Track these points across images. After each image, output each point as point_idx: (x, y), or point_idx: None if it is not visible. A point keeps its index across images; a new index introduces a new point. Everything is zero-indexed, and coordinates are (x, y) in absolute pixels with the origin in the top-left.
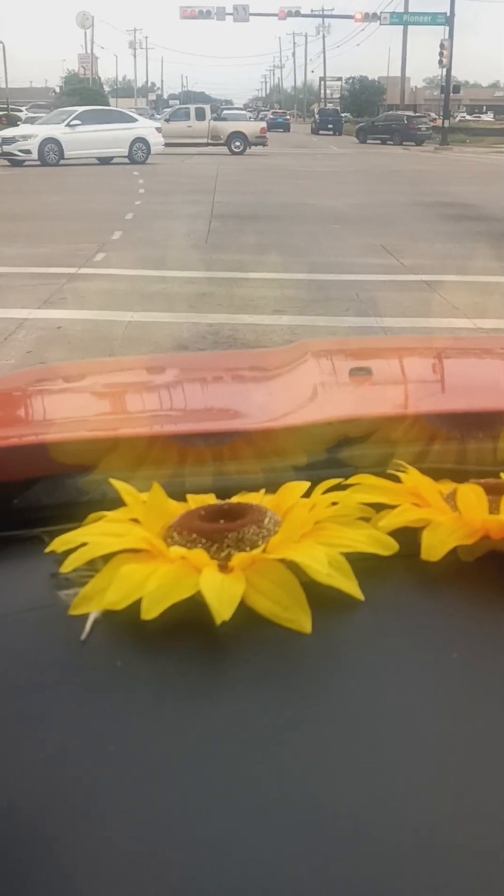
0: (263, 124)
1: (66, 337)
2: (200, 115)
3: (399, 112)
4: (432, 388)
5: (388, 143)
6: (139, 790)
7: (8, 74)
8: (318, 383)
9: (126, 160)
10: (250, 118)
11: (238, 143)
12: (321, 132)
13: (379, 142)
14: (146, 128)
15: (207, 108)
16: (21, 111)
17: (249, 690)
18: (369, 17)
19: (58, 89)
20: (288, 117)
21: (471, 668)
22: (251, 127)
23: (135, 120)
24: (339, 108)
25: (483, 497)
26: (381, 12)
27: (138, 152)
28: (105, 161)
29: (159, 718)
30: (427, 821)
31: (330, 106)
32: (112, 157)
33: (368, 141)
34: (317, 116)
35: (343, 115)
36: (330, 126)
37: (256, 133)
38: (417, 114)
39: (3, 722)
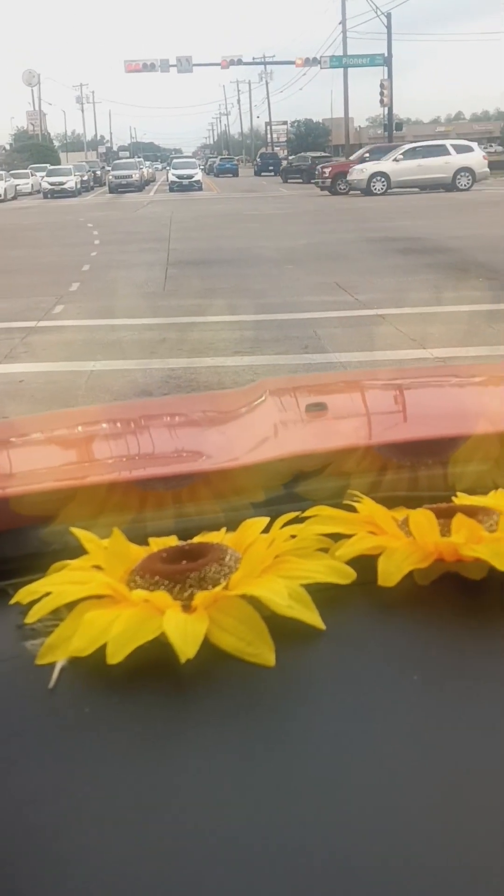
0: (197, 171)
1: (27, 391)
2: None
3: (308, 154)
4: (384, 419)
5: (299, 181)
6: (111, 836)
7: None
8: (276, 421)
9: None
10: (199, 166)
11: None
12: (263, 173)
13: (300, 180)
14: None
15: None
16: None
17: (217, 728)
18: (310, 62)
19: (7, 146)
20: (236, 162)
21: (433, 689)
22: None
23: None
24: (286, 151)
25: (434, 521)
26: (321, 56)
27: None
28: None
29: (129, 763)
30: (398, 848)
31: (276, 149)
32: None
33: (289, 181)
34: (258, 160)
35: (288, 157)
36: (271, 168)
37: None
38: (324, 154)
39: None
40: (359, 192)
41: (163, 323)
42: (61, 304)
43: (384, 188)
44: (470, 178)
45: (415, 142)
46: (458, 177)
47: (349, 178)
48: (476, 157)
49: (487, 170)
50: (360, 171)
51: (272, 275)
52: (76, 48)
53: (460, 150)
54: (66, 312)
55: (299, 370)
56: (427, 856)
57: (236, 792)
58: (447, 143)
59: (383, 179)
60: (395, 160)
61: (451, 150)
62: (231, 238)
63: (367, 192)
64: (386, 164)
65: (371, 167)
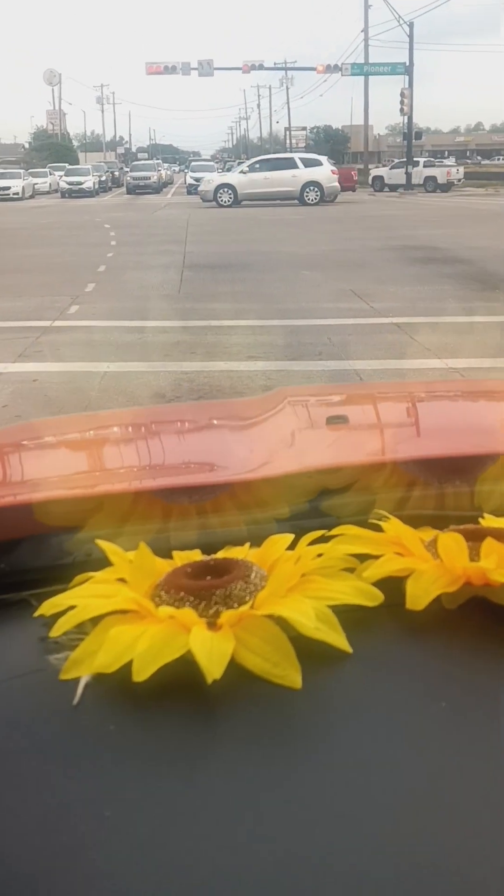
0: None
1: (41, 390)
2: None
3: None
4: (410, 433)
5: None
6: (135, 855)
7: None
8: (298, 432)
9: None
10: (217, 169)
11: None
12: None
13: None
14: None
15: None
16: None
17: (242, 750)
18: (331, 69)
19: (27, 145)
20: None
21: (460, 717)
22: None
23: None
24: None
25: (463, 544)
26: (342, 63)
27: None
28: None
29: (153, 782)
30: (423, 875)
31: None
32: None
33: None
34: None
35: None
36: None
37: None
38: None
39: None
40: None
41: (177, 326)
42: (76, 305)
43: (230, 200)
44: (318, 192)
45: (434, 149)
46: (306, 191)
47: (199, 188)
48: (324, 172)
49: (337, 185)
50: (208, 182)
51: (288, 280)
52: (98, 49)
53: (308, 163)
54: (82, 313)
55: (313, 376)
56: (456, 883)
57: (261, 815)
58: (296, 156)
59: (230, 191)
60: (243, 172)
61: (300, 163)
62: (247, 242)
63: (217, 203)
64: (233, 176)
65: (218, 178)
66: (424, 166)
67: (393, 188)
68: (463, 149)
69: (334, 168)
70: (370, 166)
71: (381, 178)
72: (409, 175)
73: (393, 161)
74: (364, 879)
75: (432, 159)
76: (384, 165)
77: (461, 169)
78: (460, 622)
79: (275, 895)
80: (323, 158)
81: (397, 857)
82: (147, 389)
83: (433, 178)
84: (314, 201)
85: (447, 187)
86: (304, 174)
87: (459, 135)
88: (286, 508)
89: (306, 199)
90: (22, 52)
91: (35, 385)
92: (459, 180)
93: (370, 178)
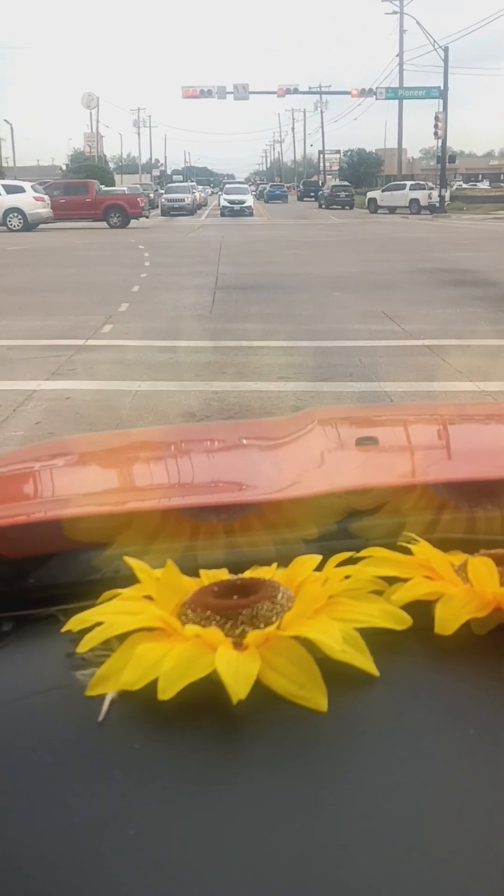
0: (249, 196)
1: (74, 407)
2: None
3: (343, 183)
4: (439, 456)
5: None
6: (158, 873)
7: (16, 153)
8: (327, 453)
9: None
10: (251, 192)
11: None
12: (305, 199)
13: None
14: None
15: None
16: None
17: (266, 771)
18: (366, 93)
19: (64, 167)
20: (286, 189)
21: (488, 743)
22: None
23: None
24: (337, 179)
25: (493, 569)
26: (376, 87)
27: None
28: None
29: (178, 802)
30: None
31: (329, 177)
32: None
33: (305, 200)
34: (300, 186)
35: (331, 186)
36: (311, 194)
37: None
38: (343, 183)
39: (22, 804)
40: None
41: (208, 346)
42: (110, 324)
43: (20, 224)
44: (21, 219)
45: (468, 172)
46: (9, 217)
47: None
48: (27, 199)
49: (41, 211)
50: None
51: (319, 301)
52: (135, 72)
53: (11, 190)
54: (115, 332)
55: (343, 398)
56: None
57: (284, 837)
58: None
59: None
60: None
61: (2, 189)
62: (279, 264)
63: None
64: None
65: None
66: (410, 189)
67: (391, 209)
68: (497, 172)
69: (36, 195)
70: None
71: (374, 199)
72: (442, 198)
73: (391, 183)
74: None
75: (421, 182)
76: (382, 189)
77: (446, 192)
78: (489, 648)
79: None
80: (27, 185)
81: (424, 883)
82: (178, 408)
83: (416, 201)
84: (17, 227)
85: (436, 209)
86: (5, 201)
87: (493, 158)
88: (314, 529)
89: (9, 225)
90: (61, 76)
91: (68, 403)
92: (446, 202)
93: (367, 199)
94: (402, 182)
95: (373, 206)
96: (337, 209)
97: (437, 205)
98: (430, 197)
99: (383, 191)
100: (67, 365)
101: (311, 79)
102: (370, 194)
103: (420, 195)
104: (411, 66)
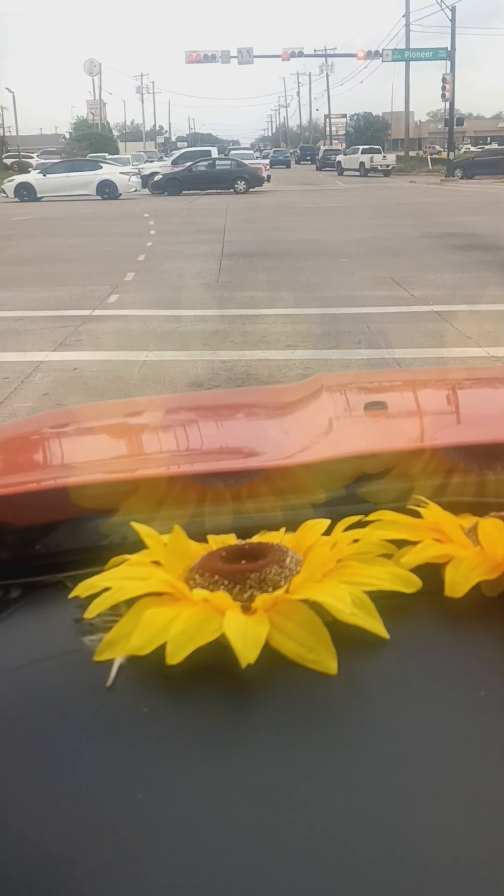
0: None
1: (81, 378)
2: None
3: (316, 145)
4: (448, 420)
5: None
6: (166, 837)
7: (18, 122)
8: (334, 418)
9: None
10: (257, 157)
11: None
12: (301, 162)
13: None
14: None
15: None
16: (32, 158)
17: (276, 735)
18: (371, 55)
19: (67, 135)
20: (288, 155)
21: (499, 705)
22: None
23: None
24: (344, 144)
25: None
26: (382, 49)
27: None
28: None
29: (187, 766)
30: (459, 864)
31: (335, 142)
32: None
33: (301, 163)
34: (298, 151)
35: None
36: (307, 157)
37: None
38: (334, 147)
39: (31, 769)
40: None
41: (215, 315)
42: (116, 294)
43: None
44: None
45: (476, 135)
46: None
47: None
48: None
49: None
50: None
51: (326, 268)
52: (138, 38)
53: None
54: (121, 302)
55: (352, 365)
56: (493, 868)
57: (294, 800)
58: None
59: None
60: None
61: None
62: (286, 230)
63: None
64: None
65: None
66: (362, 153)
67: (355, 172)
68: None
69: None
70: (410, 153)
71: (340, 163)
72: (450, 161)
73: (352, 147)
74: (398, 865)
75: (375, 147)
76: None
77: (390, 156)
78: (500, 610)
79: (307, 880)
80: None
81: (433, 845)
82: (185, 378)
83: (363, 164)
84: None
85: (386, 171)
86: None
87: (502, 120)
88: (322, 494)
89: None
90: (62, 43)
91: (75, 374)
92: (389, 166)
93: (336, 161)
94: (357, 147)
95: (339, 169)
96: (330, 171)
97: (381, 167)
98: (371, 160)
99: (345, 154)
100: (74, 336)
101: (315, 42)
102: (338, 157)
103: (364, 158)
104: (417, 26)
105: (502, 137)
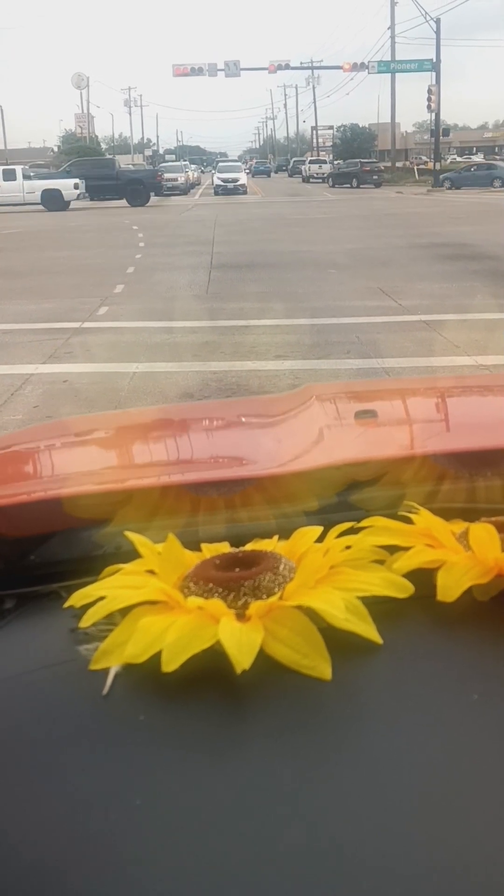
0: (242, 175)
1: (72, 390)
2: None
3: (291, 158)
4: (439, 427)
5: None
6: (166, 844)
7: (6, 136)
8: (326, 427)
9: None
10: (244, 169)
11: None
12: (279, 172)
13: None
14: None
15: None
16: None
17: (272, 741)
18: (357, 67)
19: (56, 148)
20: (269, 165)
21: (492, 709)
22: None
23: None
24: (331, 155)
25: (495, 535)
26: (368, 61)
27: None
28: None
29: (184, 772)
30: (454, 869)
31: (322, 153)
32: None
33: (279, 172)
34: (277, 163)
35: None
36: (284, 168)
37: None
38: (303, 158)
39: (28, 778)
40: None
41: (205, 326)
42: (106, 306)
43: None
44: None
45: (462, 146)
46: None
47: None
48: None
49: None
50: None
51: (315, 279)
52: (125, 52)
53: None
54: (111, 314)
55: (341, 375)
56: (490, 874)
57: (289, 806)
58: None
59: None
60: None
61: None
62: (275, 241)
63: None
64: None
65: None
66: (309, 163)
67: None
68: (491, 145)
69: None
70: (397, 164)
71: (302, 171)
72: (436, 171)
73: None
74: (393, 871)
75: (321, 158)
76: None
77: (325, 166)
78: (492, 615)
79: (303, 886)
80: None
81: (428, 849)
82: (176, 389)
83: (300, 172)
84: None
85: (325, 179)
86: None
87: (487, 130)
88: (315, 502)
89: None
90: (50, 57)
91: (65, 386)
92: (325, 175)
93: (299, 170)
94: (304, 158)
95: (303, 176)
96: (297, 177)
97: (318, 175)
98: (308, 168)
99: (309, 164)
100: (64, 348)
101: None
102: (301, 167)
103: (312, 167)
104: (403, 38)
105: (488, 148)
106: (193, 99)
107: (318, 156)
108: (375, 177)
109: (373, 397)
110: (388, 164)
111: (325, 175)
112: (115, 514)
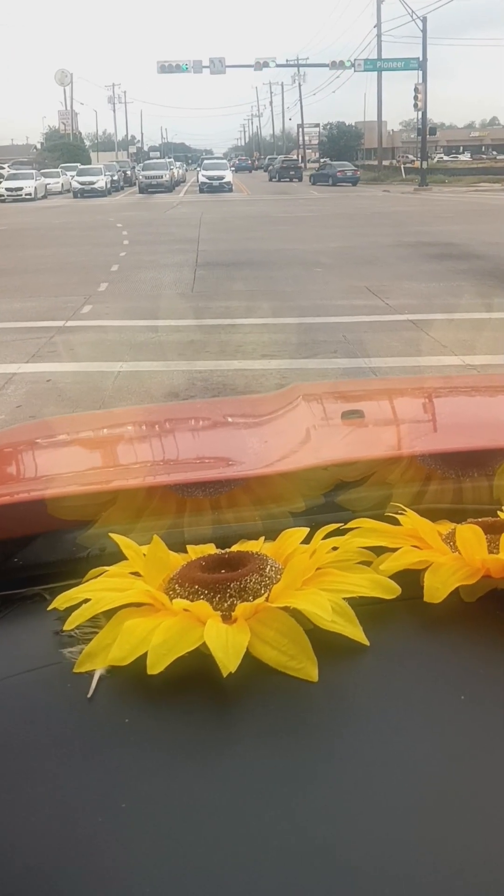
0: (228, 172)
1: (55, 390)
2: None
3: (279, 156)
4: (426, 428)
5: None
6: (151, 846)
7: None
8: (312, 427)
9: None
10: (230, 167)
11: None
12: (258, 169)
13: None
14: None
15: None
16: (3, 168)
17: (258, 743)
18: (343, 65)
19: (39, 145)
20: (250, 162)
21: (480, 710)
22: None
23: None
24: (317, 153)
25: (482, 536)
26: (355, 59)
27: None
28: None
29: (170, 775)
30: (444, 867)
31: (308, 151)
32: None
33: (257, 170)
34: (256, 161)
35: (322, 159)
36: (261, 167)
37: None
38: (291, 157)
39: (13, 782)
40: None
41: (190, 325)
42: (89, 304)
43: None
44: None
45: (449, 145)
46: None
47: None
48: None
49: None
50: None
51: (301, 277)
52: (109, 48)
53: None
54: (95, 312)
55: (328, 374)
56: (478, 874)
57: (276, 807)
58: None
59: None
60: None
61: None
62: (260, 240)
63: None
64: None
65: None
66: (283, 162)
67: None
68: (478, 144)
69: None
70: (383, 162)
71: (271, 167)
72: (423, 170)
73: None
74: (383, 871)
75: (291, 157)
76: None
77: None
78: (478, 615)
79: (289, 886)
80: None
81: (416, 849)
82: (161, 389)
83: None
84: None
85: (290, 179)
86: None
87: (474, 130)
88: (301, 503)
89: None
90: (33, 53)
91: (49, 385)
92: (292, 176)
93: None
94: (276, 156)
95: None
96: (286, 181)
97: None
98: (270, 163)
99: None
100: (47, 347)
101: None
102: (271, 165)
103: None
104: (389, 37)
105: (475, 146)
106: (178, 96)
107: (305, 153)
108: (350, 174)
109: (360, 397)
110: (375, 162)
111: (292, 176)
112: (100, 515)
